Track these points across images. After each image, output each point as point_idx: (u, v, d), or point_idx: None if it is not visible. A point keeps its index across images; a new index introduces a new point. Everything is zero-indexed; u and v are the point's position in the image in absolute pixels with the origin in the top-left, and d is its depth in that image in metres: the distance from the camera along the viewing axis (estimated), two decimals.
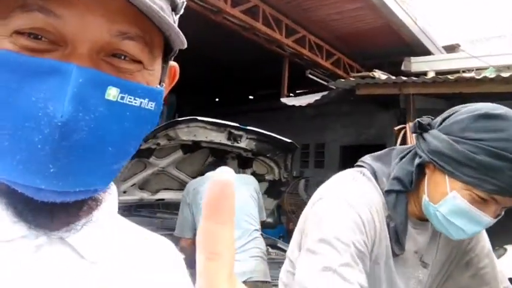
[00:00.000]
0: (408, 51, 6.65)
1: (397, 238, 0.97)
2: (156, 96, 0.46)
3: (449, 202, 0.91)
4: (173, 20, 0.47)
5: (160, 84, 0.49)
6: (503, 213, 0.93)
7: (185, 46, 0.48)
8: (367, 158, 1.07)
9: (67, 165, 0.40)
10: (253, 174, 4.41)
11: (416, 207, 1.01)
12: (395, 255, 0.99)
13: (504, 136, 0.85)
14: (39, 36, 0.40)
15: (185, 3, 0.50)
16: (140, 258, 0.53)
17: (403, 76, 5.32)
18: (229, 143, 3.86)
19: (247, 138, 3.95)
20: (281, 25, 5.84)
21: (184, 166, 4.24)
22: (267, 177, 4.40)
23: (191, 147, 3.95)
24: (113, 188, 0.53)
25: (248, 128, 3.94)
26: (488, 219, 0.90)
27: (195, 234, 2.86)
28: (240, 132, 3.90)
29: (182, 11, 0.50)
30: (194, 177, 4.32)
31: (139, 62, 0.44)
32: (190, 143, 3.87)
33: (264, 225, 4.59)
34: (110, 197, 0.52)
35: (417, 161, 0.97)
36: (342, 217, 0.91)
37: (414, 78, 4.71)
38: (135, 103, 0.43)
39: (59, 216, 0.45)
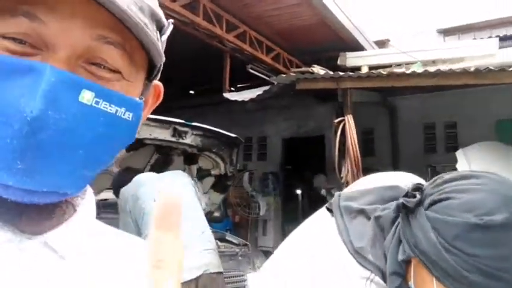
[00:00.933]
0: (344, 46, 6.94)
1: None
2: (134, 108, 0.46)
3: None
4: (156, 37, 0.48)
5: (140, 97, 0.49)
6: None
7: (163, 61, 0.50)
8: (368, 250, 0.89)
9: (34, 162, 0.40)
10: (199, 169, 4.44)
11: None
12: None
13: (502, 253, 0.72)
14: (23, 41, 0.42)
15: (171, 26, 0.52)
16: (118, 259, 0.54)
17: (339, 71, 5.57)
18: (174, 139, 3.84)
19: (192, 134, 3.96)
20: (221, 20, 5.86)
21: (128, 164, 4.15)
22: (213, 172, 4.44)
23: (134, 144, 3.88)
24: (90, 193, 0.53)
25: (193, 124, 3.95)
26: None
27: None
28: (185, 129, 3.90)
29: (168, 33, 0.51)
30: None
31: (118, 72, 0.46)
32: (134, 141, 3.79)
33: (211, 219, 4.63)
34: (87, 202, 0.52)
35: (401, 256, 0.85)
36: None
37: (350, 73, 4.96)
38: (110, 110, 0.44)
39: (30, 217, 0.45)
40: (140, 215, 2.79)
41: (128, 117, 0.46)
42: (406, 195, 0.86)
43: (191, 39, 5.93)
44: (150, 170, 4.25)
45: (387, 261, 0.87)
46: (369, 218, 0.94)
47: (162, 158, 4.22)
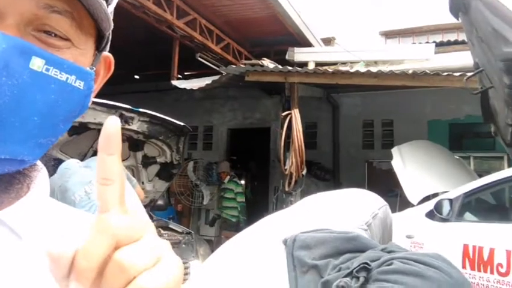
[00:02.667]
0: (292, 41, 7.08)
1: None
2: (85, 76, 0.47)
3: None
4: (103, 4, 0.49)
5: (90, 67, 0.50)
6: None
7: (111, 28, 0.52)
8: None
9: None
10: (145, 156, 4.37)
11: None
12: None
13: None
14: None
15: None
16: (73, 236, 0.56)
17: (287, 65, 5.69)
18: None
19: (139, 120, 3.89)
20: (172, 6, 5.75)
21: (69, 148, 4.00)
22: (159, 159, 4.39)
23: (77, 128, 3.74)
24: (43, 171, 0.53)
25: (140, 110, 3.88)
26: None
27: None
28: (132, 114, 3.82)
29: (115, 3, 0.52)
30: (81, 160, 4.11)
31: (68, 39, 0.46)
32: (77, 125, 3.65)
33: (155, 207, 4.58)
34: (42, 177, 0.52)
35: None
36: None
37: (298, 68, 5.09)
38: (61, 77, 0.44)
39: (1, 186, 0.45)
40: (70, 205, 2.68)
41: (80, 86, 0.46)
42: (351, 273, 0.88)
43: (139, 22, 5.78)
44: (93, 155, 4.13)
45: None
46: (320, 276, 0.96)
47: None
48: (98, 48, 0.52)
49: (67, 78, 0.44)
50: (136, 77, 9.75)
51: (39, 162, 0.52)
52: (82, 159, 4.11)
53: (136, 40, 6.63)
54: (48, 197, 0.54)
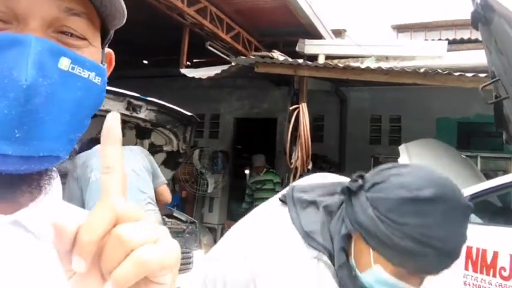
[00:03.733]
0: (303, 32, 7.01)
1: None
2: (101, 72, 0.50)
3: (374, 274, 0.90)
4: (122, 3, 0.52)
5: (101, 63, 0.53)
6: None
7: (124, 20, 0.54)
8: (317, 236, 0.97)
9: (31, 129, 0.42)
10: (151, 145, 4.38)
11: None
12: None
13: (429, 222, 0.84)
14: None
15: None
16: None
17: (297, 56, 5.65)
18: (127, 113, 3.76)
19: (147, 109, 3.89)
20: None
21: None
22: (165, 148, 4.40)
23: None
24: (56, 174, 0.55)
25: (148, 98, 3.88)
26: None
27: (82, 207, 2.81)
28: (140, 103, 3.82)
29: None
30: (90, 147, 4.13)
31: (85, 39, 0.49)
32: None
33: None
34: (55, 181, 0.54)
35: (343, 231, 0.95)
36: None
37: (308, 62, 5.05)
38: (84, 75, 0.46)
39: (20, 189, 0.47)
40: (86, 183, 2.81)
41: (98, 82, 0.49)
42: (351, 180, 0.98)
43: (149, 7, 5.74)
44: (96, 142, 4.14)
45: (334, 240, 0.96)
46: (319, 208, 1.03)
47: None
48: (102, 44, 0.54)
49: (89, 75, 0.47)
50: (145, 62, 9.73)
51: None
52: (91, 147, 4.14)
53: (145, 25, 6.59)
54: (62, 201, 0.56)
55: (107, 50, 0.58)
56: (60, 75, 0.44)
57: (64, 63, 0.44)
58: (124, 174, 0.37)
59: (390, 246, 0.86)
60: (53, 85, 0.43)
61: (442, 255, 0.86)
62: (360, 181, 0.96)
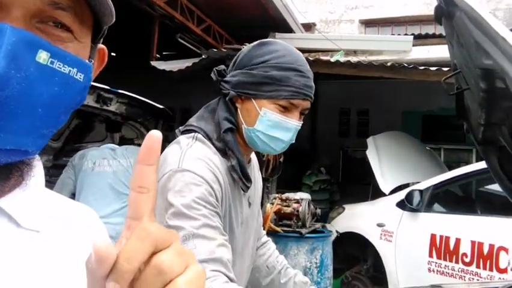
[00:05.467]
0: (273, 26, 7.05)
1: (242, 174, 1.09)
2: (85, 69, 0.48)
3: (263, 119, 1.08)
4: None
5: (89, 60, 0.51)
6: (302, 118, 1.15)
7: (114, 19, 0.54)
8: (193, 121, 1.15)
9: None
10: (122, 138, 4.31)
11: (241, 143, 1.14)
12: (236, 199, 1.11)
13: (280, 54, 1.07)
14: None
15: None
16: (71, 227, 0.56)
17: None
18: (97, 105, 3.69)
19: (117, 101, 3.83)
20: None
21: None
22: (136, 142, 4.33)
23: None
24: (38, 162, 0.54)
25: (119, 91, 3.81)
26: (295, 123, 1.10)
27: (71, 196, 2.92)
28: (110, 95, 3.76)
29: None
30: (55, 140, 4.04)
31: (71, 31, 0.47)
32: None
33: None
34: (37, 171, 0.53)
35: (227, 99, 1.12)
36: (188, 184, 0.96)
37: None
38: (64, 70, 0.45)
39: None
40: (79, 171, 3.03)
41: (80, 78, 0.48)
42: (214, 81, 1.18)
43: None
44: (69, 136, 4.06)
45: (218, 115, 1.12)
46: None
47: (83, 124, 4.04)
48: (94, 40, 0.54)
49: (69, 71, 0.46)
50: (113, 54, 9.53)
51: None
52: (57, 139, 4.04)
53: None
54: (44, 188, 0.56)
55: (100, 46, 0.56)
56: (37, 68, 0.42)
57: (43, 56, 0.43)
58: (156, 195, 0.37)
59: (264, 82, 1.06)
60: (27, 78, 0.41)
61: (300, 75, 1.07)
62: (216, 72, 1.17)
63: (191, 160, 1.01)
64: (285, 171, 7.00)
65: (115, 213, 2.85)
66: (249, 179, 1.12)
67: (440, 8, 1.17)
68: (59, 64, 0.45)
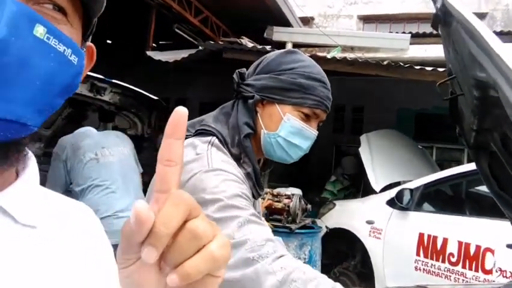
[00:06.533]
0: (271, 19, 7.01)
1: (257, 181, 1.09)
2: (78, 53, 0.49)
3: (286, 125, 1.09)
4: None
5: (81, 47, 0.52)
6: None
7: (101, 11, 0.55)
8: (210, 122, 1.12)
9: None
10: (115, 128, 4.29)
11: (254, 149, 1.12)
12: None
13: (307, 64, 1.11)
14: None
15: None
16: (67, 223, 0.56)
17: (265, 43, 5.65)
18: (91, 94, 3.66)
19: (111, 91, 3.81)
20: None
21: None
22: (129, 132, 4.33)
23: None
24: (32, 158, 0.54)
25: (113, 81, 3.79)
26: (314, 133, 1.13)
27: (65, 191, 2.75)
28: (104, 85, 3.73)
29: None
30: (47, 128, 4.01)
31: (64, 12, 0.48)
32: None
33: None
34: (32, 164, 0.53)
35: (250, 102, 1.11)
36: (225, 181, 0.97)
37: (276, 50, 5.06)
38: (59, 48, 0.46)
39: None
40: (78, 164, 2.78)
41: (74, 61, 0.48)
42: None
43: None
44: (62, 124, 4.03)
45: (239, 121, 1.10)
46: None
47: (75, 113, 4.01)
48: (84, 36, 0.54)
49: (64, 50, 0.46)
50: (108, 41, 9.44)
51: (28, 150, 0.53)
52: (49, 127, 4.02)
53: (109, 3, 6.38)
54: (39, 185, 0.55)
55: (89, 43, 0.57)
56: (35, 41, 0.43)
57: (40, 31, 0.43)
58: (182, 168, 0.38)
59: (291, 89, 1.08)
60: (26, 48, 0.42)
61: (324, 86, 1.10)
62: (239, 74, 1.16)
63: (219, 162, 1.01)
64: (277, 164, 6.99)
65: (130, 206, 2.68)
66: (261, 187, 1.13)
67: (437, 16, 1.18)
68: (54, 41, 0.45)
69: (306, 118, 1.10)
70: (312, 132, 1.12)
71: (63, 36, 0.46)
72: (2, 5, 0.41)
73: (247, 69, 1.19)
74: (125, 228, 0.35)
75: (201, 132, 1.10)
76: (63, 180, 2.79)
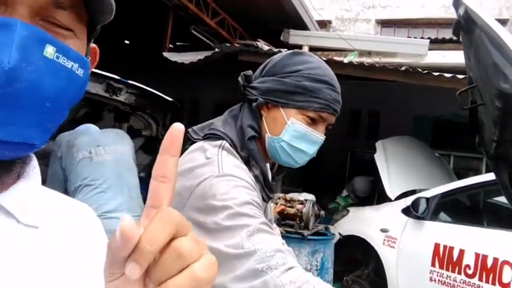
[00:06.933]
0: (288, 22, 6.98)
1: (265, 183, 1.08)
2: (84, 65, 0.50)
3: (290, 129, 1.06)
4: None
5: (85, 56, 0.52)
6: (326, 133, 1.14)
7: (110, 20, 0.55)
8: (219, 126, 1.10)
9: (9, 113, 0.42)
10: (130, 128, 4.33)
11: (261, 152, 1.11)
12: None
13: (313, 65, 1.07)
14: None
15: None
16: (69, 223, 0.57)
17: (281, 46, 5.62)
18: (107, 95, 3.69)
19: (127, 92, 3.83)
20: None
21: None
22: (144, 132, 4.36)
23: None
24: (34, 159, 0.55)
25: (129, 82, 3.81)
26: (321, 138, 1.09)
27: (65, 190, 2.70)
28: (120, 85, 3.76)
29: None
30: (63, 128, 4.05)
31: (71, 30, 0.49)
32: None
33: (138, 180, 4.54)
34: (33, 168, 0.54)
35: (254, 105, 1.08)
36: (236, 187, 0.95)
37: None
38: (68, 65, 0.46)
39: None
40: (71, 162, 2.73)
41: (80, 74, 0.49)
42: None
43: None
44: (77, 124, 4.06)
45: (243, 123, 1.09)
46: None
47: (91, 112, 4.05)
48: (88, 38, 0.55)
49: (72, 65, 0.47)
50: (126, 42, 9.53)
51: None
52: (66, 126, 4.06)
53: (122, 5, 6.44)
54: (41, 186, 0.57)
55: (92, 45, 0.58)
56: (45, 62, 0.44)
57: (49, 51, 0.44)
58: (175, 185, 0.38)
59: (295, 92, 1.05)
60: (37, 72, 0.43)
61: (331, 89, 1.07)
62: (244, 77, 1.14)
63: (230, 167, 0.99)
64: (290, 168, 6.95)
65: (120, 207, 2.65)
66: (271, 190, 1.11)
67: (459, 23, 1.13)
68: (63, 59, 0.46)
69: (312, 122, 1.07)
70: (318, 136, 1.08)
71: (71, 52, 0.47)
72: (13, 29, 0.41)
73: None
74: (111, 243, 0.35)
75: (209, 136, 1.08)
76: (60, 178, 2.73)
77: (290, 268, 0.84)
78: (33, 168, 0.54)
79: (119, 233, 0.33)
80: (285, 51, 1.14)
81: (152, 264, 0.34)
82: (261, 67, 1.14)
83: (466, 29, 1.11)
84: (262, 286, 0.82)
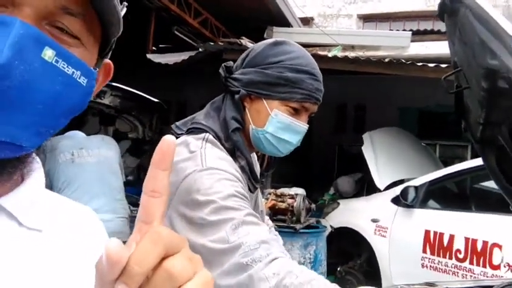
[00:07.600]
0: (271, 20, 6.99)
1: (251, 173, 1.09)
2: (89, 74, 0.49)
3: (273, 120, 1.06)
4: (118, 8, 0.52)
5: (94, 68, 0.52)
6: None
7: (119, 33, 0.54)
8: (201, 119, 1.10)
9: None
10: (116, 131, 4.29)
11: (246, 143, 1.11)
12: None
13: (295, 55, 1.07)
14: None
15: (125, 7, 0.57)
16: (72, 226, 0.57)
17: None
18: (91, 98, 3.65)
19: (111, 94, 3.81)
20: None
21: None
22: (130, 135, 4.33)
23: None
24: (38, 162, 0.55)
25: (113, 84, 3.79)
26: (304, 127, 1.10)
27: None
28: (104, 88, 3.72)
29: (124, 11, 0.56)
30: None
31: (78, 38, 0.48)
32: None
33: (125, 183, 4.51)
34: (36, 171, 0.54)
35: (236, 97, 1.08)
36: (220, 180, 0.95)
37: None
38: (67, 71, 0.46)
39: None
40: (54, 165, 2.76)
41: (83, 82, 0.48)
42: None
43: None
44: (60, 132, 4.03)
45: (227, 115, 1.08)
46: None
47: (75, 117, 4.00)
48: (101, 54, 0.54)
49: (73, 72, 0.46)
50: None
51: (34, 155, 0.54)
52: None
53: None
54: (44, 188, 0.56)
55: (106, 60, 0.57)
56: (42, 64, 0.43)
57: (48, 54, 0.44)
58: (167, 200, 0.36)
59: (278, 83, 1.05)
60: (31, 72, 0.42)
61: (313, 78, 1.07)
62: (225, 68, 1.13)
63: (214, 159, 0.99)
64: (280, 164, 6.98)
65: (102, 208, 2.67)
66: (257, 180, 1.12)
67: (444, 5, 1.15)
68: (63, 64, 0.45)
69: (295, 112, 1.08)
70: (302, 126, 1.09)
71: (72, 59, 0.46)
72: (10, 27, 0.41)
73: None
74: (98, 265, 0.33)
75: (192, 130, 1.09)
76: (46, 184, 2.76)
77: (274, 259, 0.85)
78: (37, 171, 0.53)
79: (105, 257, 0.32)
80: (266, 41, 1.13)
81: (142, 285, 0.33)
82: (241, 57, 1.14)
83: (450, 9, 1.12)
84: (248, 280, 0.83)
